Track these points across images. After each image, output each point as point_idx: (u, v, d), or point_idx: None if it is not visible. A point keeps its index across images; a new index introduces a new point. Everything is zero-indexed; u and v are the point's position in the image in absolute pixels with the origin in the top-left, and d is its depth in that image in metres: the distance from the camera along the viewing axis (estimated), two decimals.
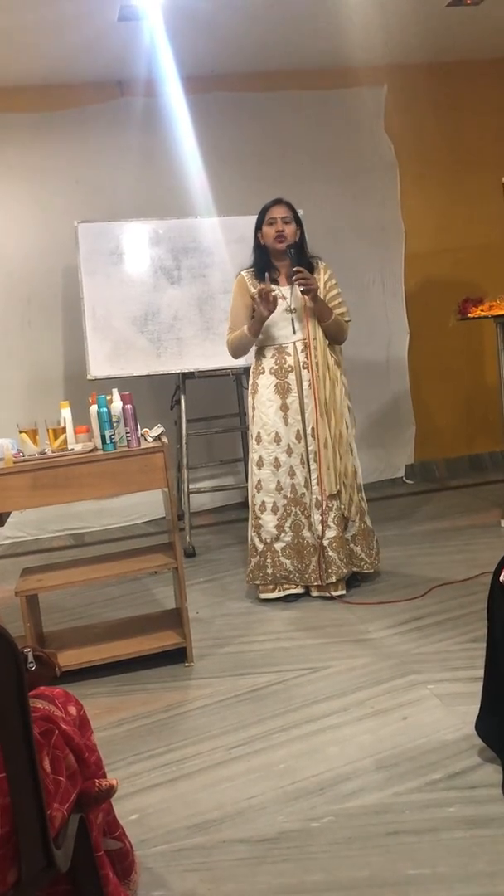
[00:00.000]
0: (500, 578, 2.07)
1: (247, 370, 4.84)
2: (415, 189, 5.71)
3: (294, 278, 3.40)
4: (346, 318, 3.59)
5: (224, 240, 4.79)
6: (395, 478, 5.82)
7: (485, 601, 2.19)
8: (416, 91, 5.62)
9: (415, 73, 5.60)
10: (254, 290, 3.52)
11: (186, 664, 3.03)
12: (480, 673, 2.19)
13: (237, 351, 3.64)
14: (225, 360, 4.69)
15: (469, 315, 4.69)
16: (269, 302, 3.39)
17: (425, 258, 5.75)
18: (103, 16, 4.16)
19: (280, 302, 3.48)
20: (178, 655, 3.05)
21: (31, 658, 1.45)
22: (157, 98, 5.18)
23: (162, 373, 4.74)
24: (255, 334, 3.50)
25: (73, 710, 1.61)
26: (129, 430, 2.97)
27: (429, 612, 3.29)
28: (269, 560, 3.55)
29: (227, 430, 5.23)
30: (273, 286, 3.51)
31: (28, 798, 1.23)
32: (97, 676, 2.97)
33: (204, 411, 5.12)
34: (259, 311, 3.41)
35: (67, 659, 2.92)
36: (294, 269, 3.40)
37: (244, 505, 5.45)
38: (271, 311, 3.42)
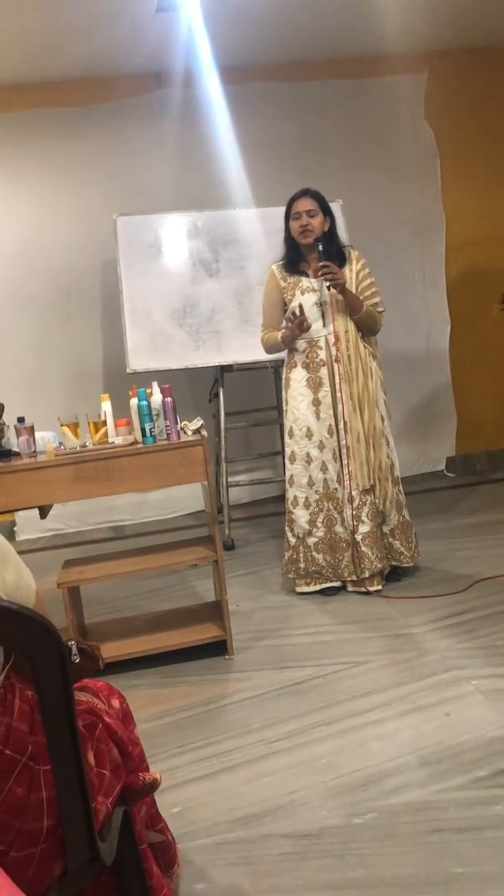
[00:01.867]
0: None
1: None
2: (456, 177, 5.63)
3: (320, 273, 3.37)
4: (380, 309, 3.54)
5: (262, 231, 4.77)
6: (435, 471, 5.76)
7: None
8: (458, 78, 5.54)
9: (456, 59, 5.51)
10: (284, 284, 3.50)
11: (227, 657, 3.03)
12: None
13: (270, 351, 3.67)
14: (263, 353, 4.68)
15: None
16: (302, 328, 3.39)
17: (467, 247, 5.67)
18: (142, 7, 4.16)
19: (310, 295, 3.47)
20: (218, 648, 3.05)
21: (75, 650, 1.45)
22: (194, 89, 5.18)
23: (200, 366, 4.73)
24: (287, 345, 3.52)
25: (116, 703, 1.61)
26: (168, 424, 2.97)
27: (471, 606, 3.25)
28: (301, 555, 3.54)
29: (265, 424, 5.21)
30: (302, 278, 3.50)
31: (73, 791, 1.23)
32: (137, 668, 2.98)
33: (242, 404, 5.12)
34: (291, 331, 3.42)
35: (108, 651, 2.94)
36: (320, 263, 3.37)
37: (282, 498, 5.45)
38: (305, 331, 3.42)
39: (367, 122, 5.48)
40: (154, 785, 1.56)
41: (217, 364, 4.71)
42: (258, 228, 4.78)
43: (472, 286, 5.70)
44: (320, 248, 3.41)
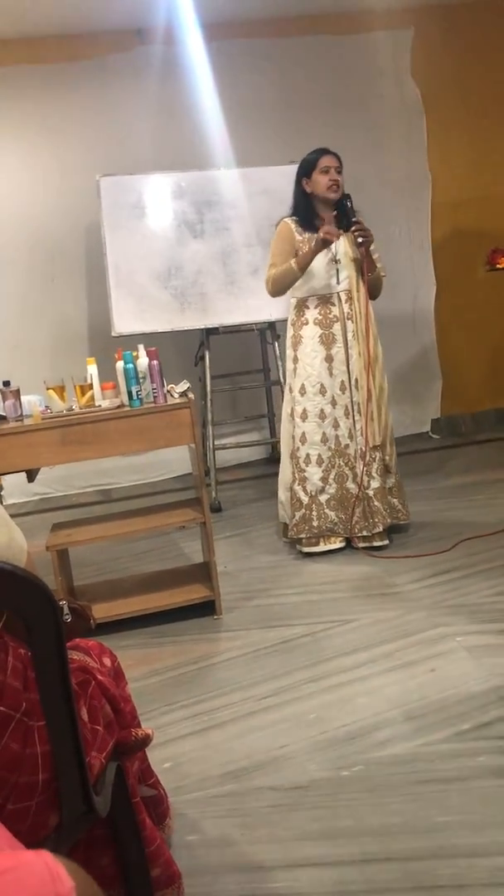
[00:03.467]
0: None
1: (272, 325, 4.82)
2: (442, 136, 5.57)
3: (353, 229, 3.38)
4: (383, 274, 3.58)
5: (247, 192, 4.72)
6: (420, 432, 5.79)
7: None
8: (445, 33, 5.45)
9: (443, 13, 5.43)
10: (300, 238, 3.48)
11: (215, 617, 3.07)
12: None
13: (278, 286, 3.50)
14: (249, 315, 4.67)
15: (498, 266, 4.62)
16: (334, 237, 3.33)
17: (453, 208, 5.63)
18: None
19: (326, 252, 3.45)
20: (206, 608, 3.09)
21: (66, 610, 1.46)
22: (177, 46, 5.08)
23: (186, 328, 4.71)
24: (302, 269, 3.41)
25: (107, 661, 1.64)
26: (155, 387, 2.96)
27: (457, 565, 3.29)
28: (314, 513, 3.55)
29: (251, 386, 5.21)
30: (317, 235, 3.47)
31: (67, 746, 1.25)
32: (127, 629, 3.01)
33: (228, 367, 5.11)
34: (318, 244, 3.33)
35: (98, 612, 2.93)
36: (354, 220, 3.39)
37: (269, 461, 5.48)
38: (332, 243, 3.37)
39: (352, 79, 5.40)
40: (146, 740, 1.59)
41: (202, 327, 4.69)
42: (243, 189, 4.73)
43: (458, 247, 5.67)
44: (348, 204, 3.43)
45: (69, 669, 1.25)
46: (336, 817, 1.88)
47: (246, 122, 5.14)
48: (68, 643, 1.52)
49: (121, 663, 1.73)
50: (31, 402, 2.97)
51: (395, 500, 3.65)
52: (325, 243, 3.34)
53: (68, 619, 1.46)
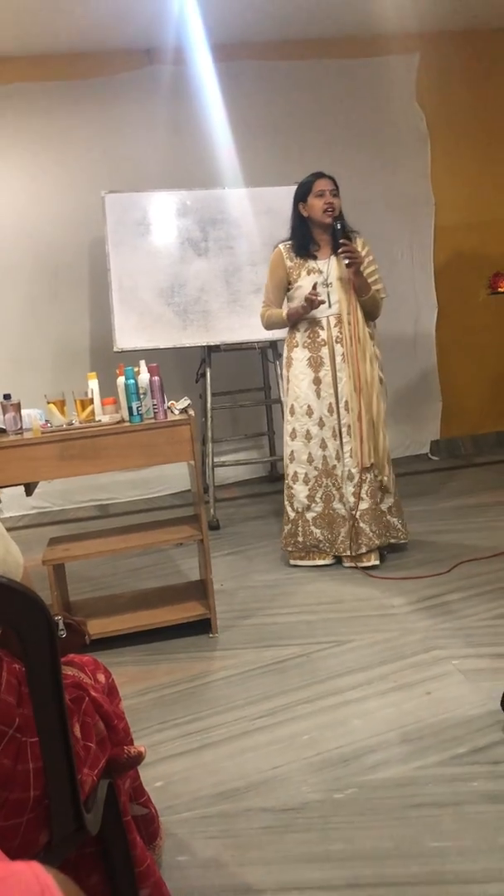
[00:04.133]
0: None
1: (273, 344, 4.84)
2: (446, 161, 5.61)
3: (340, 251, 3.40)
4: (382, 295, 3.60)
5: (252, 211, 4.75)
6: (420, 454, 5.79)
7: None
8: (450, 60, 5.51)
9: (449, 40, 5.49)
10: (290, 264, 3.51)
11: (211, 635, 3.05)
12: None
13: (269, 327, 3.72)
14: (251, 334, 4.68)
15: (499, 289, 4.64)
16: (315, 306, 3.42)
17: (456, 231, 5.67)
18: None
19: (315, 276, 3.49)
20: (202, 626, 3.07)
21: (61, 625, 1.46)
22: (185, 66, 5.13)
23: (188, 345, 4.72)
24: (291, 321, 3.56)
25: (101, 677, 1.63)
26: (155, 403, 2.97)
27: (454, 587, 3.28)
28: (300, 528, 3.62)
29: (252, 404, 5.22)
30: (311, 260, 3.52)
31: (59, 763, 1.24)
32: (122, 645, 3.00)
33: (229, 385, 5.12)
34: (304, 310, 3.45)
35: (94, 628, 2.95)
36: (340, 241, 3.41)
37: (268, 479, 5.48)
38: (315, 309, 3.46)
39: (358, 103, 5.45)
40: (138, 758, 1.58)
41: (204, 344, 4.70)
42: (248, 208, 4.76)
43: (460, 270, 5.70)
44: (338, 226, 3.45)
45: (63, 685, 1.24)
46: (328, 840, 1.86)
47: (252, 142, 5.18)
48: (63, 659, 1.52)
49: (115, 680, 1.72)
50: (32, 415, 2.97)
51: (394, 518, 3.67)
52: (311, 305, 3.41)
53: (63, 634, 1.46)
